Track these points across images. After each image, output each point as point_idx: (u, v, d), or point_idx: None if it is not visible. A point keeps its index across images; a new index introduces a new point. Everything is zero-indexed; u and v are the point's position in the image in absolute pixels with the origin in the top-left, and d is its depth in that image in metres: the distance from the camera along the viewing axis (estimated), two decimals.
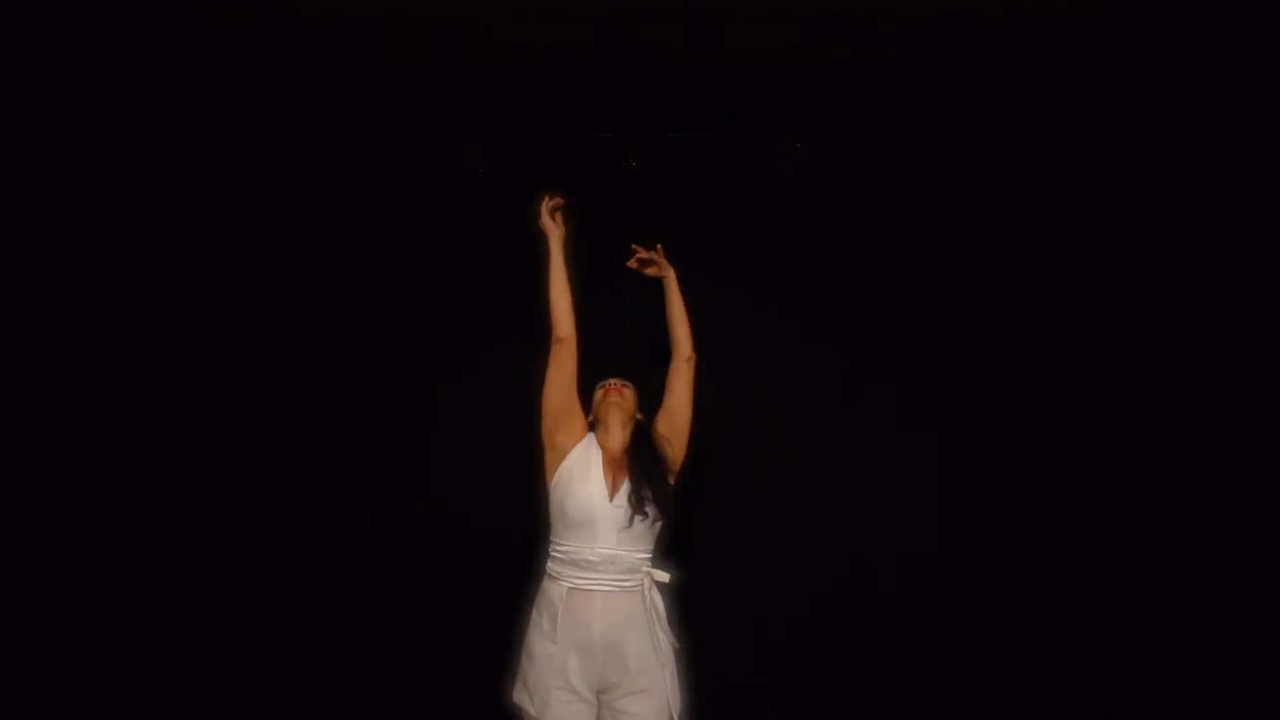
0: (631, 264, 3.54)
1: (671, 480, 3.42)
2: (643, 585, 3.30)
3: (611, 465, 3.37)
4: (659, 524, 3.34)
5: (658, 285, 3.53)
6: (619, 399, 3.50)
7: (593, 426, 3.50)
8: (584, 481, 3.33)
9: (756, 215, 4.43)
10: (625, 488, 3.31)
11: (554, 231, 3.48)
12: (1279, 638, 4.26)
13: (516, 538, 4.14)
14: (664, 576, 3.32)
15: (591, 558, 3.27)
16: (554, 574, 3.33)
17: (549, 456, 3.43)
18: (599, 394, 3.54)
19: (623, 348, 4.29)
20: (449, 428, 4.37)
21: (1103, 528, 4.35)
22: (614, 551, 3.28)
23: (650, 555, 3.34)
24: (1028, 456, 4.39)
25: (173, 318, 4.39)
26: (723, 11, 4.01)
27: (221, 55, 4.19)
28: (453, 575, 4.32)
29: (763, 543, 4.33)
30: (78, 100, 4.22)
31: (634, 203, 4.37)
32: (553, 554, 3.34)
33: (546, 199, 3.50)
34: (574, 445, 3.41)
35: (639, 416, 3.52)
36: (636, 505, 3.28)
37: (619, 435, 3.43)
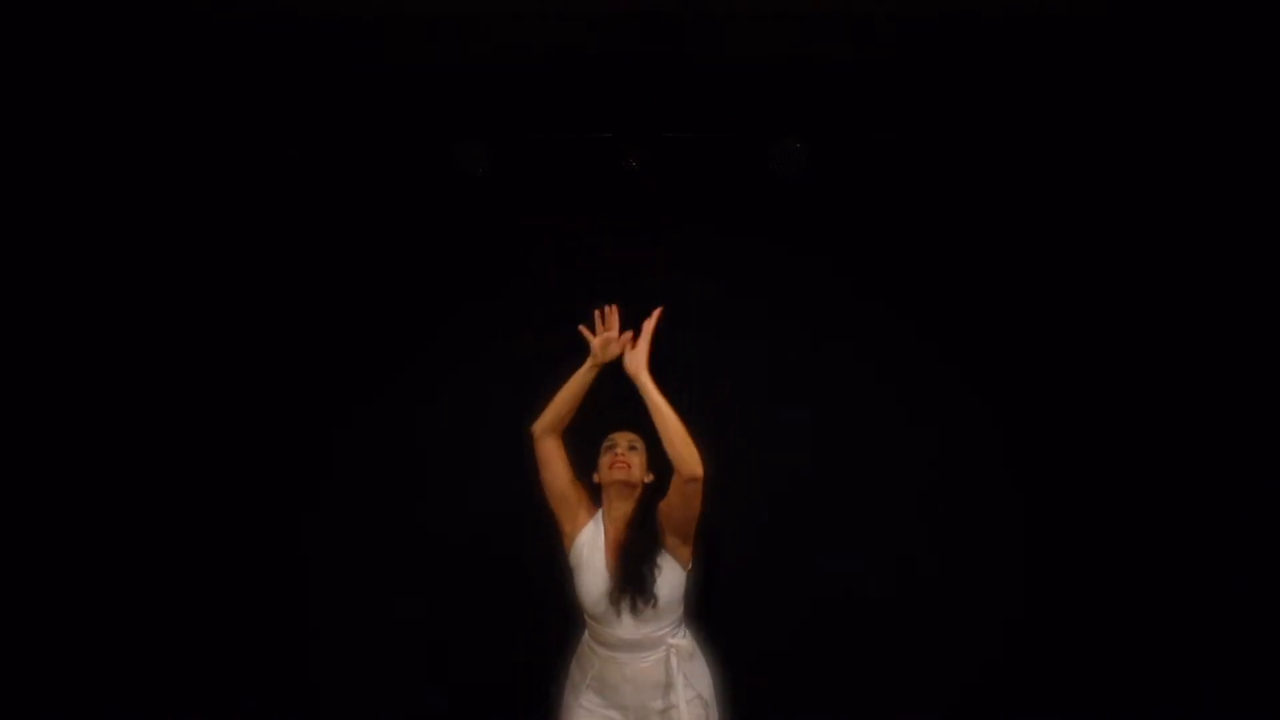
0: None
1: (679, 555, 3.34)
2: (667, 656, 3.32)
3: (614, 548, 3.34)
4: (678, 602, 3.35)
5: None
6: (624, 474, 3.36)
7: (600, 489, 3.43)
8: (591, 572, 3.32)
9: (756, 215, 4.43)
10: (622, 566, 3.29)
11: (601, 357, 3.34)
12: (1279, 638, 4.26)
13: (515, 540, 4.16)
14: (686, 646, 3.35)
15: (611, 641, 3.33)
16: (585, 640, 3.41)
17: (563, 530, 3.42)
18: (604, 461, 3.41)
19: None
20: (449, 428, 4.37)
21: (1104, 527, 4.35)
22: (632, 637, 3.31)
23: (674, 624, 3.35)
24: (1029, 455, 4.39)
25: (173, 318, 4.39)
26: (723, 11, 4.01)
27: (221, 55, 4.18)
28: (452, 576, 4.33)
29: (761, 542, 4.33)
30: (78, 100, 4.21)
31: (634, 203, 4.38)
32: (584, 621, 3.41)
33: (611, 334, 3.34)
34: (581, 530, 3.38)
35: (648, 479, 3.42)
36: (625, 597, 3.28)
37: (619, 517, 3.37)
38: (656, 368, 4.29)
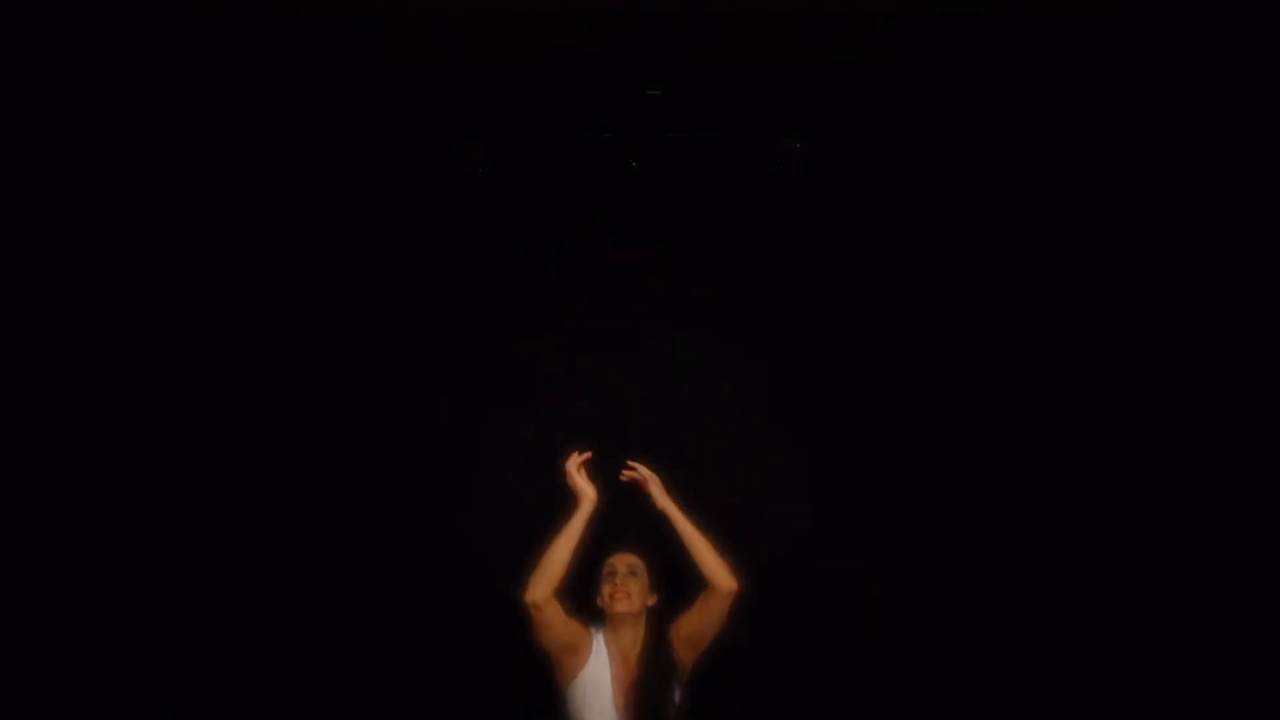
0: (623, 475, 3.35)
1: (685, 670, 3.31)
2: None
3: (625, 687, 3.28)
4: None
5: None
6: (626, 605, 3.29)
7: (600, 613, 3.37)
8: (597, 704, 3.25)
9: (756, 215, 4.43)
10: (636, 703, 3.23)
11: (588, 495, 3.27)
12: (1279, 638, 4.26)
13: (515, 540, 4.16)
14: None
15: None
16: None
17: (561, 665, 3.33)
18: (605, 590, 3.34)
19: (629, 359, 4.31)
20: (449, 429, 4.37)
21: (1105, 527, 4.34)
22: None
23: None
24: (1029, 456, 4.38)
25: (172, 318, 4.39)
26: (723, 11, 4.01)
27: (221, 55, 4.18)
28: (451, 576, 4.32)
29: (759, 542, 4.33)
30: (78, 100, 4.21)
31: (634, 203, 4.38)
32: None
33: (574, 457, 3.30)
34: (584, 664, 3.30)
35: (651, 602, 3.36)
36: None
37: (627, 647, 3.31)
38: (656, 370, 4.32)
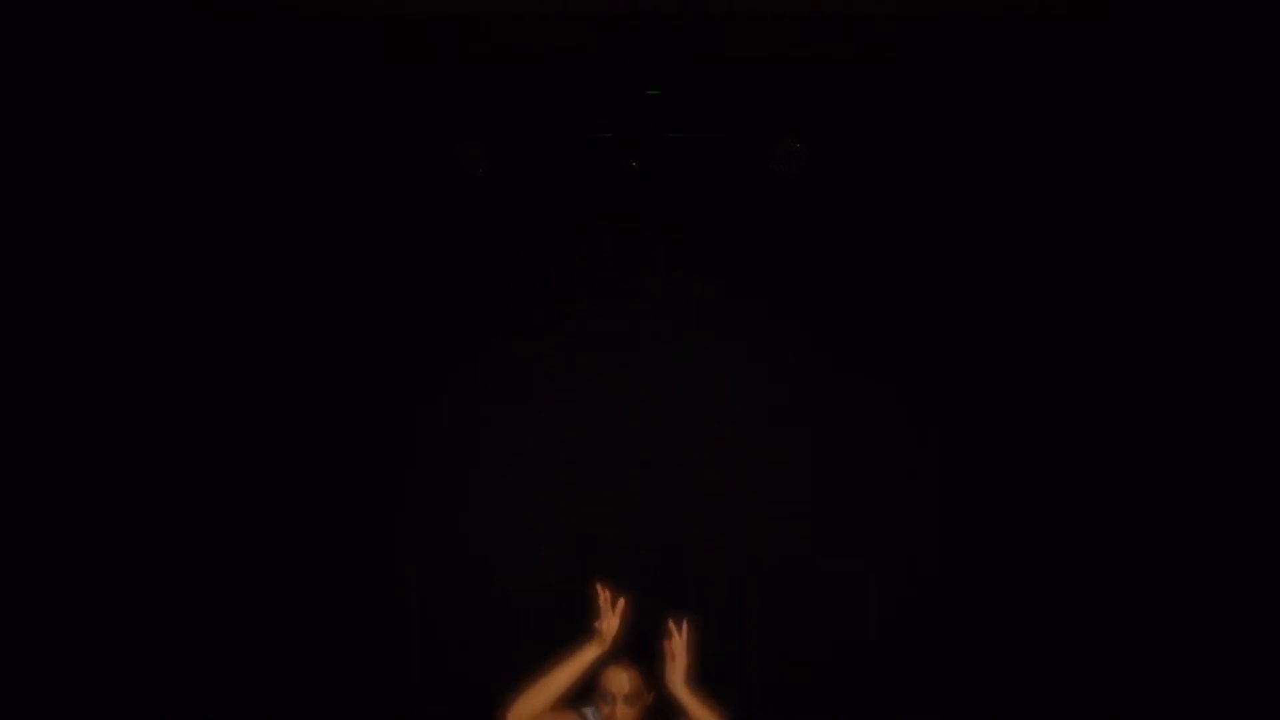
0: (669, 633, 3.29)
1: None
2: None
3: None
4: None
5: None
6: None
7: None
8: None
9: (756, 215, 4.43)
10: None
11: (605, 641, 3.25)
12: (1279, 638, 4.26)
13: (515, 540, 4.16)
14: None
15: None
16: None
17: None
18: (604, 712, 3.30)
19: (629, 359, 4.31)
20: (449, 429, 4.37)
21: (1104, 527, 4.34)
22: None
23: None
24: (1029, 457, 4.38)
25: (172, 318, 4.39)
26: (723, 11, 4.01)
27: (221, 55, 4.18)
28: (451, 576, 4.32)
29: (760, 542, 4.33)
30: (78, 100, 4.21)
31: (634, 203, 4.38)
32: None
33: (606, 593, 3.26)
34: None
35: (649, 700, 3.34)
36: None
37: None
38: (656, 370, 4.32)
